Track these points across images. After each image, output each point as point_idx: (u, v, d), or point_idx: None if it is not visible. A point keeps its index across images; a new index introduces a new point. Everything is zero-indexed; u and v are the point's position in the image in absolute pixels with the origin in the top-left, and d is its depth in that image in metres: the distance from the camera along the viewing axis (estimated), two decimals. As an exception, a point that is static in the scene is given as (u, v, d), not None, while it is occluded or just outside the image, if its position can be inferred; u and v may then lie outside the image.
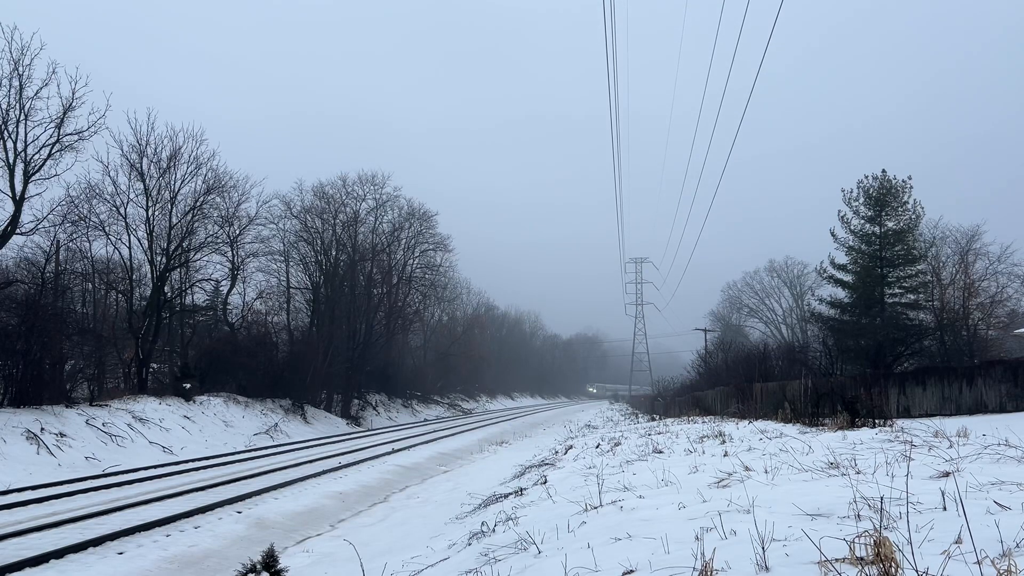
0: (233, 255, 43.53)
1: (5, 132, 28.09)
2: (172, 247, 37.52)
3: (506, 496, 13.14)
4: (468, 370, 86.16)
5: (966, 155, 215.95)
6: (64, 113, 29.02)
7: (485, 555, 7.14)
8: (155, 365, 39.51)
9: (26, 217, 29.08)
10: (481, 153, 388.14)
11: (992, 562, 3.82)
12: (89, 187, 34.44)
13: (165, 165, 36.95)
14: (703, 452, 12.53)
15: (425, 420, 56.81)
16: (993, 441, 9.29)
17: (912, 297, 34.43)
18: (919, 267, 34.57)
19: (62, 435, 23.46)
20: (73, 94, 28.97)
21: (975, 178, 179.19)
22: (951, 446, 9.24)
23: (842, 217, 35.02)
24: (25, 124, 28.37)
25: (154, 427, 28.44)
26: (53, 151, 29.08)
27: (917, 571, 3.88)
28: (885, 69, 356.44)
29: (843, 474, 7.66)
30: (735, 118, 21.20)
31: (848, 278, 35.52)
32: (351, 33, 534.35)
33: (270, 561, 5.49)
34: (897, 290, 34.25)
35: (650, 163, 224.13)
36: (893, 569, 3.94)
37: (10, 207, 28.44)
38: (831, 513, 5.85)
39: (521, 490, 13.19)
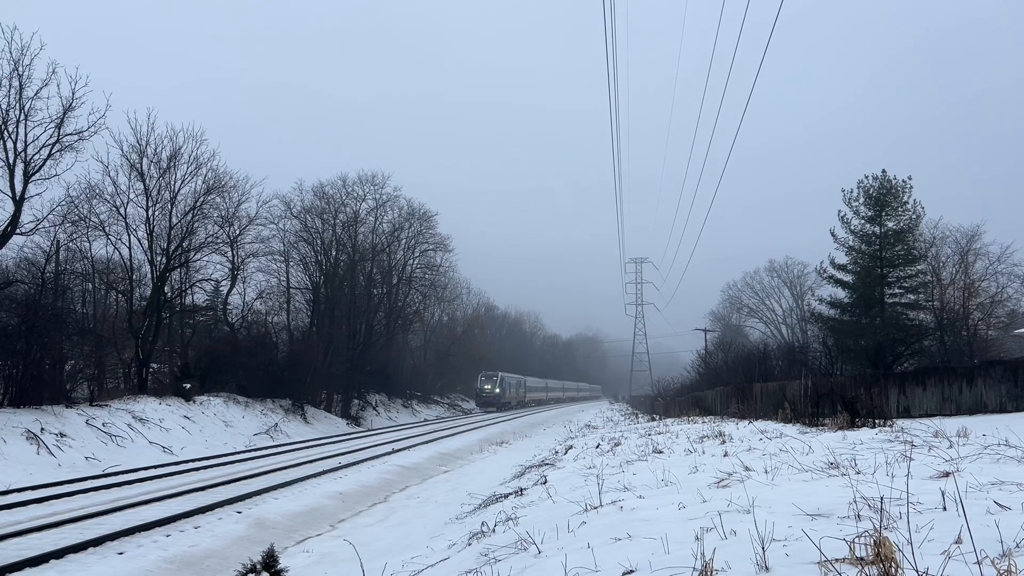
0: (233, 255, 43.55)
1: (5, 132, 28.09)
2: (172, 247, 37.51)
3: (506, 496, 13.13)
4: (468, 370, 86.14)
5: (966, 154, 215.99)
6: (64, 113, 29.01)
7: (485, 555, 7.14)
8: (155, 365, 39.49)
9: (26, 217, 29.11)
10: (480, 154, 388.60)
11: (992, 562, 3.83)
12: (89, 187, 34.45)
13: (165, 165, 36.95)
14: (703, 452, 12.53)
15: (425, 420, 56.81)
16: (993, 441, 9.30)
17: (912, 297, 34.44)
18: (919, 267, 34.58)
19: (62, 435, 23.46)
20: (73, 94, 28.95)
21: (975, 178, 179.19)
22: (951, 446, 9.25)
23: (842, 217, 35.04)
24: (25, 124, 28.36)
25: (154, 427, 28.44)
26: (53, 151, 29.07)
27: (917, 571, 3.88)
28: (886, 67, 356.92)
29: (843, 474, 7.66)
30: (736, 116, 21.21)
31: (848, 278, 35.52)
32: (354, 33, 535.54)
33: (270, 561, 5.49)
34: (897, 290, 34.26)
35: (650, 163, 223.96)
36: (893, 569, 3.94)
37: (10, 207, 28.46)
38: (831, 513, 5.85)
39: (521, 490, 13.19)
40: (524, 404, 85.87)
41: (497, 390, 73.28)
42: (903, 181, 33.72)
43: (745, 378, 30.19)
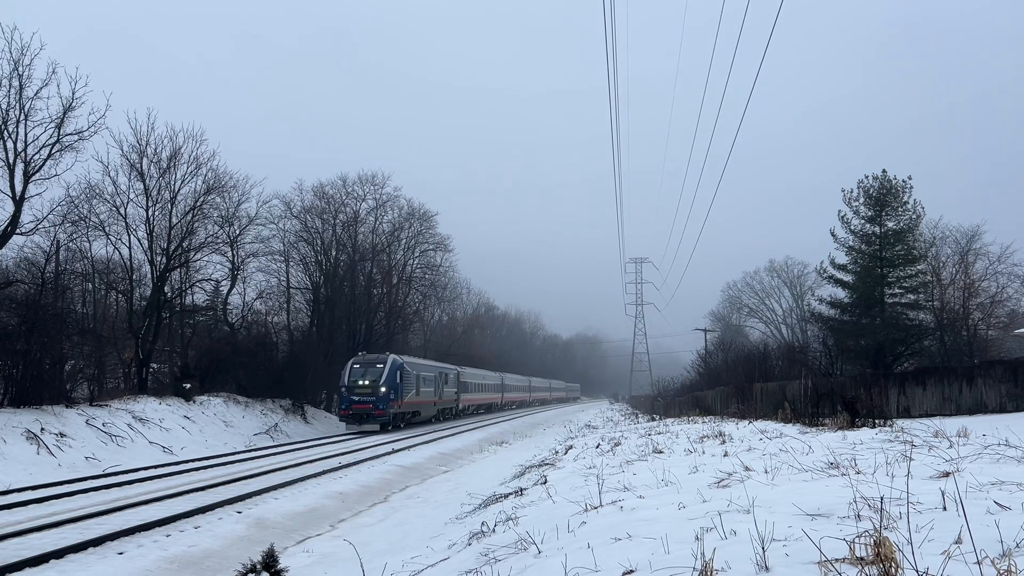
0: (233, 255, 43.55)
1: (5, 132, 28.09)
2: (172, 247, 37.50)
3: (506, 496, 13.13)
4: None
5: (966, 154, 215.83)
6: (64, 113, 29.00)
7: (485, 555, 7.15)
8: (155, 365, 39.50)
9: (26, 217, 29.10)
10: (480, 154, 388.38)
11: (992, 562, 3.83)
12: (89, 187, 34.45)
13: (165, 165, 36.94)
14: (703, 452, 12.53)
15: (425, 420, 56.57)
16: (993, 441, 9.30)
17: (912, 297, 34.49)
18: (919, 267, 34.64)
19: (62, 435, 23.46)
20: (73, 94, 28.92)
21: (975, 178, 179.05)
22: (951, 446, 9.25)
23: (842, 217, 35.07)
24: (25, 124, 28.35)
25: (154, 427, 28.44)
26: (53, 151, 29.06)
27: (917, 571, 3.89)
28: (885, 65, 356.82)
29: (843, 474, 7.66)
30: (736, 114, 21.20)
31: (848, 278, 35.55)
32: (352, 33, 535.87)
33: (270, 561, 5.49)
34: (897, 290, 34.29)
35: (650, 162, 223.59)
36: (893, 569, 3.94)
37: (10, 207, 28.46)
38: (831, 513, 5.85)
39: (521, 490, 13.19)
40: (458, 413, 53.32)
41: (382, 389, 36.52)
42: (903, 181, 33.78)
43: (745, 378, 30.19)
